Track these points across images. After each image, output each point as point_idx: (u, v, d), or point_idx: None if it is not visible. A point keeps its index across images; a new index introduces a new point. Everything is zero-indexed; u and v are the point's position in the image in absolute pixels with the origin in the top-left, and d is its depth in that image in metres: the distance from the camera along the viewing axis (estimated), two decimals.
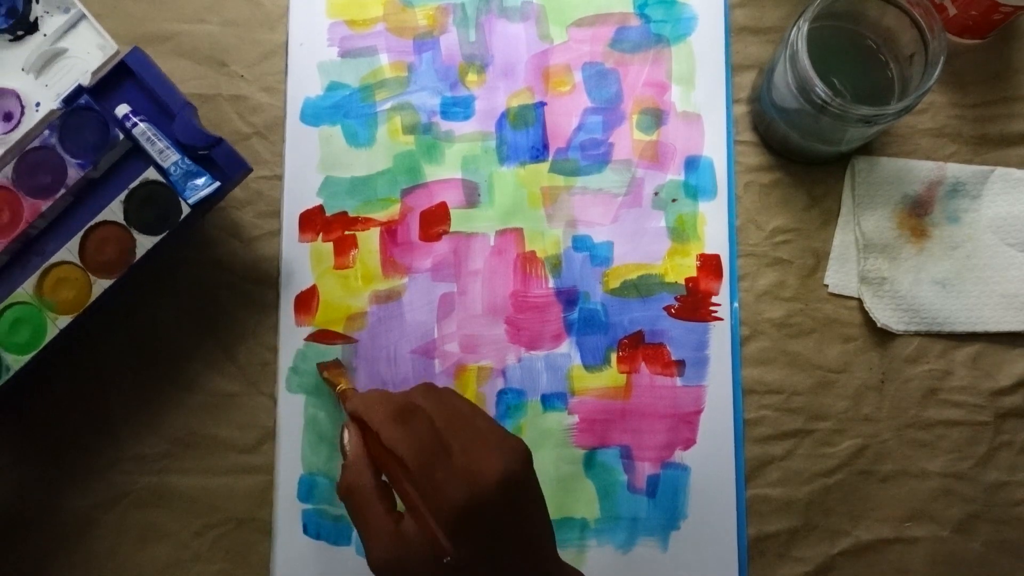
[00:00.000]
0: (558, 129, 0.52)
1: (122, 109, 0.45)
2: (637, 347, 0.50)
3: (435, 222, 0.51)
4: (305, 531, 0.49)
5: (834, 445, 0.49)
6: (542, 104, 0.52)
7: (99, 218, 0.45)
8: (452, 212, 0.51)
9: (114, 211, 0.45)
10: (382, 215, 0.51)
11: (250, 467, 0.49)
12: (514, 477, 0.37)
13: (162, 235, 0.45)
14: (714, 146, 0.51)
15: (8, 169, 0.45)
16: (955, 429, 0.50)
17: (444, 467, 0.36)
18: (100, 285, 0.45)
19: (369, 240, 0.51)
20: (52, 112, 0.47)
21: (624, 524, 0.49)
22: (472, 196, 0.51)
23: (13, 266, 0.46)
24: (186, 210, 0.45)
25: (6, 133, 0.47)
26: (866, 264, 0.50)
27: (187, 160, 0.45)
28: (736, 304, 0.50)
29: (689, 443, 0.49)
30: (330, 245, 0.51)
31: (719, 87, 0.52)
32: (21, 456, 0.49)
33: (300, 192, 0.51)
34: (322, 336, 0.50)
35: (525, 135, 0.52)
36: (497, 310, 0.50)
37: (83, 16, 0.48)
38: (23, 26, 0.47)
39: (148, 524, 0.49)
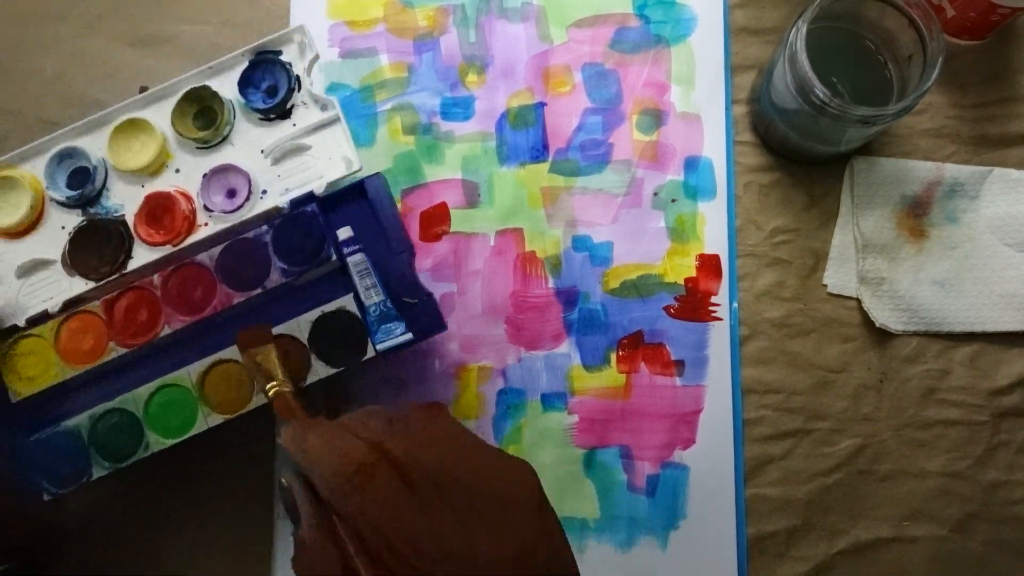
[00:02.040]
0: (558, 129, 0.52)
1: (345, 232, 0.44)
2: (637, 347, 0.50)
3: (435, 222, 0.51)
4: None
5: (833, 445, 0.50)
6: (542, 104, 0.52)
7: (283, 329, 0.43)
8: (452, 212, 0.51)
9: (300, 327, 0.43)
10: None
11: (251, 465, 0.49)
12: (532, 552, 0.28)
13: (338, 370, 0.43)
14: (714, 146, 0.52)
15: (215, 251, 0.44)
16: (954, 429, 0.50)
17: (433, 551, 0.27)
18: (261, 397, 0.42)
19: None
20: (275, 208, 0.45)
21: (623, 523, 0.49)
22: (472, 196, 0.51)
23: (186, 346, 0.44)
24: (371, 353, 0.43)
25: (226, 212, 0.45)
26: (865, 264, 0.50)
27: (389, 304, 0.43)
28: (735, 304, 0.50)
29: (688, 443, 0.49)
30: None
31: (719, 87, 0.52)
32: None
33: None
34: None
35: (525, 135, 0.52)
36: (497, 310, 0.50)
37: (338, 121, 0.46)
38: (278, 111, 0.46)
39: (149, 520, 0.49)
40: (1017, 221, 0.50)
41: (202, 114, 0.47)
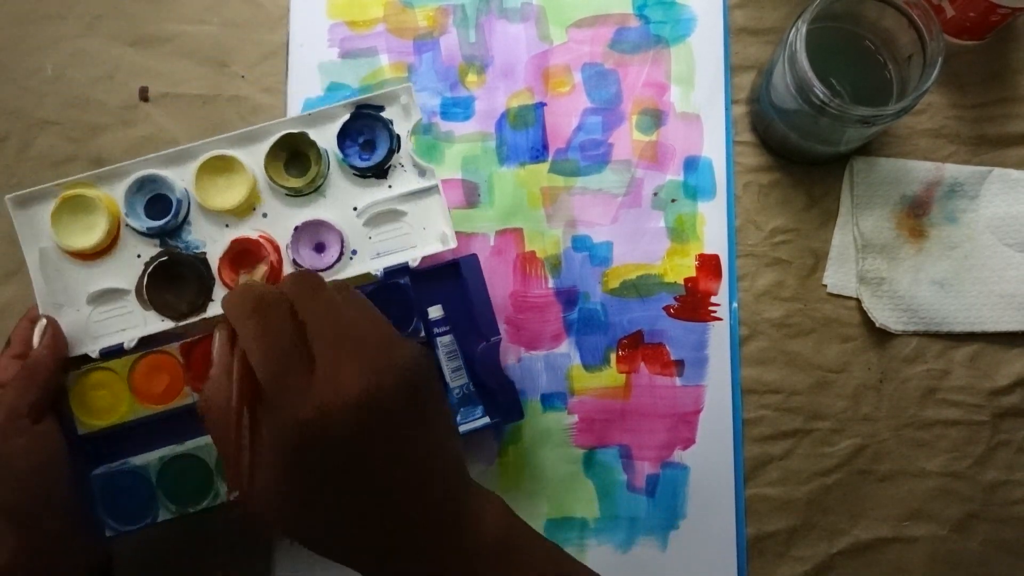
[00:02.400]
0: (558, 129, 0.52)
1: (436, 311, 0.44)
2: (636, 347, 0.50)
3: None
4: None
5: (833, 445, 0.50)
6: (542, 105, 0.52)
7: None
8: (452, 212, 0.51)
9: None
10: None
11: None
12: (380, 396, 0.30)
13: None
14: (713, 146, 0.52)
15: None
16: (953, 428, 0.50)
17: (298, 378, 0.29)
18: None
19: None
20: (367, 275, 0.44)
21: (623, 524, 0.49)
22: (472, 196, 0.51)
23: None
24: None
25: (314, 268, 0.44)
26: (865, 264, 0.50)
27: (471, 387, 0.43)
28: (735, 304, 0.50)
29: (688, 443, 0.49)
30: None
31: (718, 88, 0.52)
32: None
33: None
34: None
35: (525, 135, 0.52)
36: (497, 310, 0.50)
37: (436, 191, 0.45)
38: (376, 171, 0.45)
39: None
40: (1017, 221, 0.50)
41: (295, 160, 0.45)
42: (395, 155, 0.45)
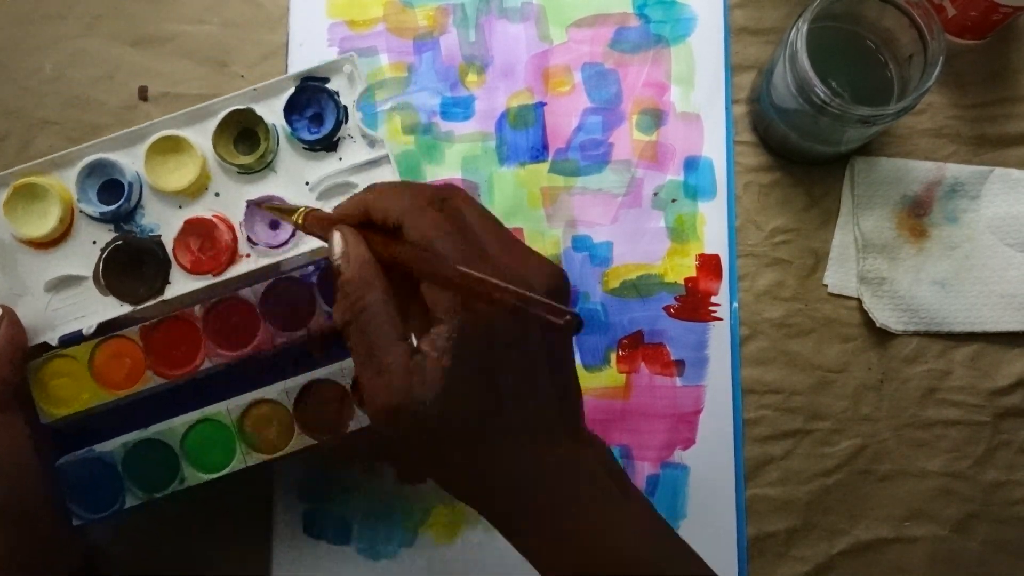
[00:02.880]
0: (558, 129, 0.52)
1: None
2: (637, 347, 0.50)
3: None
4: (305, 530, 0.49)
5: (833, 445, 0.50)
6: (542, 104, 0.52)
7: (325, 373, 0.42)
8: None
9: (344, 374, 0.42)
10: None
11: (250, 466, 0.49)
12: (564, 289, 0.31)
13: None
14: (713, 146, 0.52)
15: (259, 287, 0.43)
16: (954, 429, 0.50)
17: (487, 263, 0.29)
18: (303, 440, 0.42)
19: None
20: (324, 249, 0.43)
21: None
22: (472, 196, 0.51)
23: (226, 382, 0.43)
24: None
25: (270, 246, 0.44)
26: (865, 264, 0.50)
27: None
28: (735, 304, 0.50)
29: (688, 443, 0.49)
30: None
31: (718, 87, 0.52)
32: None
33: None
34: None
35: (525, 135, 0.52)
36: None
37: (387, 159, 0.45)
38: (324, 143, 0.45)
39: (148, 523, 0.49)
40: (1018, 221, 0.50)
41: (244, 138, 0.45)
42: (343, 127, 0.45)
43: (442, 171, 0.51)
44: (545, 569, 0.33)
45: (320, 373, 0.43)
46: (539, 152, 0.52)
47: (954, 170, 0.51)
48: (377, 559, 0.49)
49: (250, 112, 0.44)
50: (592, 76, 0.52)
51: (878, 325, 0.50)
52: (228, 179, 0.45)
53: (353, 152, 0.45)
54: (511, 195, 0.51)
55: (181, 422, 0.43)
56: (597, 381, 0.50)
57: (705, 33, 0.52)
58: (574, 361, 0.34)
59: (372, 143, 0.45)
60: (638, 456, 0.49)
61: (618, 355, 0.50)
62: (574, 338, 0.50)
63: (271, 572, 0.49)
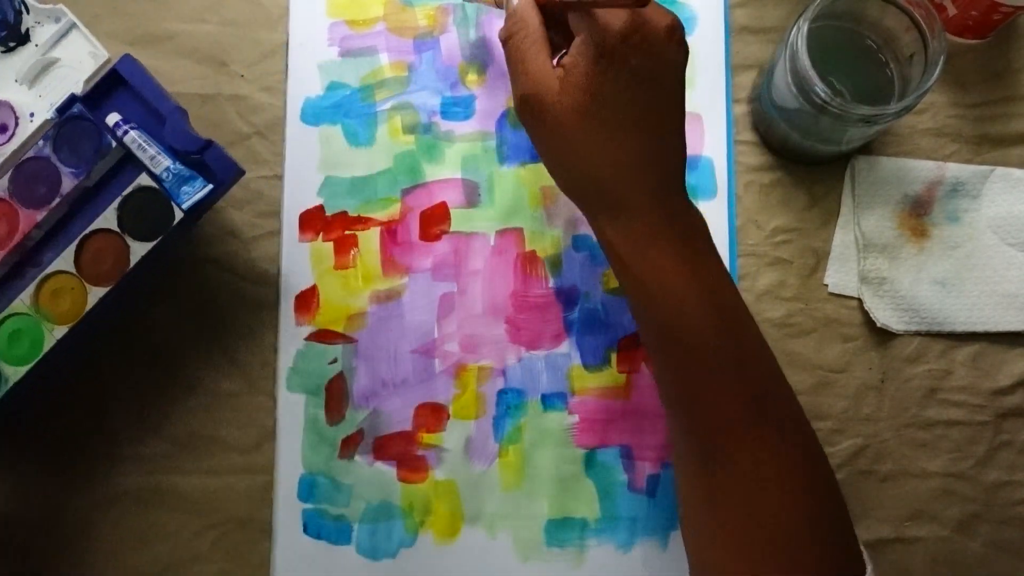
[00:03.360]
0: None
1: (112, 118, 0.45)
2: (637, 347, 0.50)
3: (435, 222, 0.51)
4: (305, 531, 0.49)
5: (834, 445, 0.49)
6: None
7: (93, 226, 0.45)
8: (452, 212, 0.51)
9: (108, 219, 0.45)
10: (382, 215, 0.51)
11: (250, 467, 0.49)
12: (681, 35, 0.37)
13: (156, 241, 0.45)
14: (714, 146, 0.51)
15: (4, 181, 0.45)
16: (955, 429, 0.50)
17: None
18: (96, 293, 0.45)
19: (369, 240, 0.51)
20: (46, 122, 0.47)
21: (624, 524, 0.49)
22: (472, 196, 0.51)
23: (10, 278, 0.46)
24: (179, 215, 0.45)
25: (1, 145, 0.47)
26: (866, 264, 0.50)
27: (179, 165, 0.45)
28: None
29: None
30: (330, 245, 0.51)
31: (719, 87, 0.52)
32: (19, 457, 0.49)
33: (300, 192, 0.51)
34: (322, 336, 0.50)
35: (525, 135, 0.51)
36: (497, 310, 0.50)
37: (74, 25, 0.48)
38: (14, 37, 0.48)
39: (148, 524, 0.49)
40: (1019, 220, 0.50)
41: None
42: (24, 16, 0.48)
43: (442, 171, 0.51)
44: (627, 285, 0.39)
45: (86, 229, 0.45)
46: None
47: (955, 169, 0.51)
48: (377, 559, 0.49)
49: None
50: None
51: (879, 325, 0.50)
52: None
53: (43, 33, 0.48)
54: (511, 195, 0.51)
55: None
56: (597, 381, 0.50)
57: (705, 32, 0.52)
58: (684, 116, 0.39)
59: (57, 18, 0.48)
60: (638, 456, 0.49)
61: (618, 355, 0.50)
62: (574, 338, 0.50)
63: (271, 572, 0.48)
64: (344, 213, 0.51)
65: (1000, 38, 0.52)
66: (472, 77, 0.52)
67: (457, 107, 0.52)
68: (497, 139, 0.52)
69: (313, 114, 0.52)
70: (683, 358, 0.38)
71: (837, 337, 0.50)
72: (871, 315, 0.50)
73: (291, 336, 0.50)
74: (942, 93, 0.52)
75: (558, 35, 0.40)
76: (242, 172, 0.46)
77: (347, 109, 0.52)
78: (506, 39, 0.40)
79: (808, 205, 0.51)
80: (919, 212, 0.51)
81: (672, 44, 0.37)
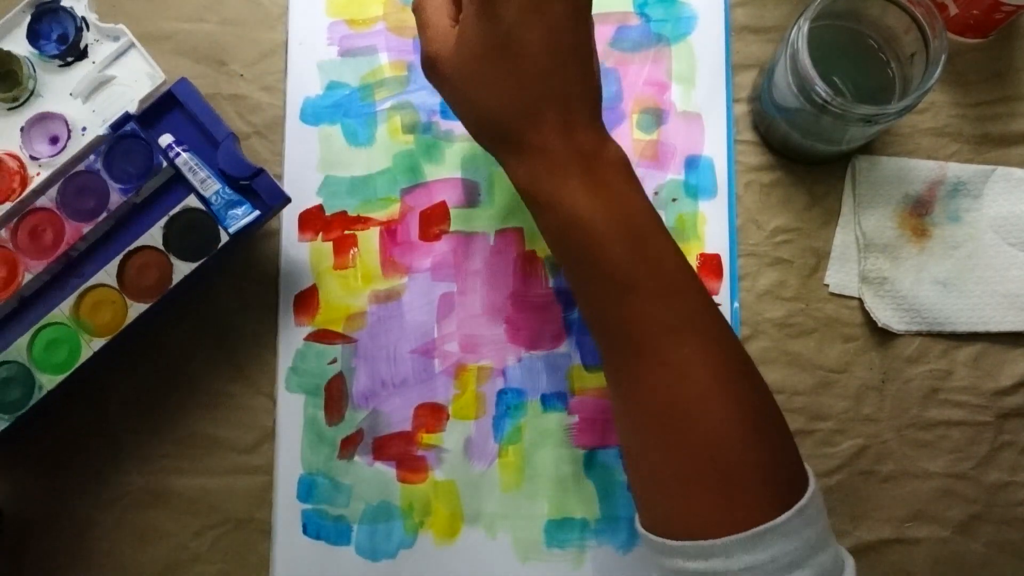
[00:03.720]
0: None
1: (165, 139, 0.46)
2: None
3: (435, 222, 0.51)
4: (304, 531, 0.49)
5: (835, 445, 0.49)
6: None
7: (138, 243, 0.46)
8: (452, 212, 0.51)
9: (153, 236, 0.46)
10: (382, 215, 0.51)
11: (249, 467, 0.49)
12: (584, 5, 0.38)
13: (200, 262, 0.45)
14: (714, 145, 0.51)
15: (53, 191, 0.46)
16: (956, 429, 0.49)
17: None
18: (136, 309, 0.45)
19: (369, 240, 0.51)
20: (99, 137, 0.48)
21: (624, 524, 0.49)
22: (472, 196, 0.51)
23: (53, 287, 0.46)
24: (225, 238, 0.45)
25: (52, 156, 0.48)
26: (867, 264, 0.50)
27: (228, 189, 0.45)
28: (737, 304, 0.50)
29: None
30: (330, 245, 0.51)
31: (719, 86, 0.52)
32: (20, 457, 0.49)
33: (300, 191, 0.51)
34: (322, 336, 0.50)
35: None
36: (497, 310, 0.50)
37: (132, 45, 0.49)
38: (73, 53, 0.49)
39: (147, 524, 0.49)
40: (1020, 220, 0.50)
41: (4, 77, 0.48)
42: (84, 33, 0.49)
43: (442, 170, 0.51)
44: (541, 215, 0.40)
45: (131, 244, 0.46)
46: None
47: (956, 169, 0.51)
48: (377, 559, 0.48)
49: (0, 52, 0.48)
50: None
51: (880, 325, 0.50)
52: (1, 117, 0.48)
53: (102, 51, 0.49)
54: (511, 194, 0.51)
55: (23, 337, 0.45)
56: (597, 381, 0.50)
57: (706, 32, 0.52)
58: (594, 50, 0.39)
59: (116, 37, 0.49)
60: None
61: None
62: (574, 338, 0.50)
63: (271, 572, 0.48)
64: (344, 213, 0.51)
65: (1001, 37, 0.52)
66: None
67: None
68: None
69: (312, 114, 0.52)
70: (601, 286, 0.38)
71: (838, 337, 0.50)
72: (872, 315, 0.50)
73: (290, 336, 0.50)
74: (943, 92, 0.51)
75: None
76: (288, 200, 0.46)
77: (347, 109, 0.52)
78: (414, 7, 0.41)
79: (809, 205, 0.51)
80: (920, 212, 0.51)
81: None
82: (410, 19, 0.52)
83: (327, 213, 0.51)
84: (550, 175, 0.38)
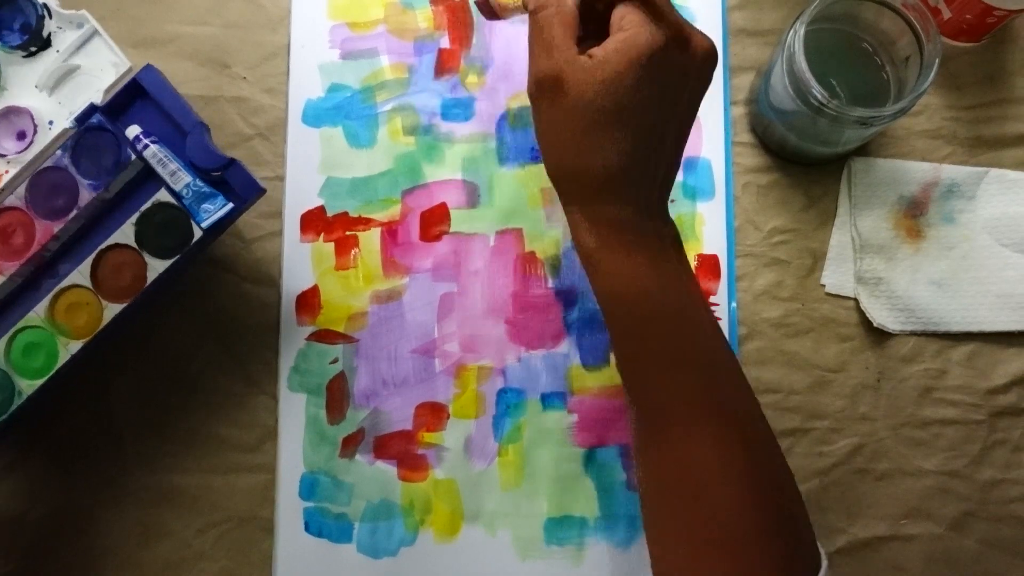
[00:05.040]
0: None
1: (132, 130, 0.44)
2: None
3: (435, 222, 0.51)
4: (307, 529, 0.49)
5: (831, 444, 0.50)
6: None
7: (110, 241, 0.44)
8: (452, 212, 0.51)
9: (125, 234, 0.44)
10: (383, 215, 0.51)
11: (251, 466, 0.49)
12: (714, 63, 0.38)
13: (174, 259, 0.44)
14: (712, 147, 0.52)
15: (21, 189, 0.44)
16: (950, 428, 0.50)
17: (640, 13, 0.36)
18: (112, 310, 0.44)
19: (370, 240, 0.51)
20: (65, 131, 0.46)
21: (623, 522, 0.49)
22: (472, 197, 0.52)
23: (26, 289, 0.45)
24: (198, 233, 0.44)
25: (19, 152, 0.46)
26: (863, 264, 0.51)
27: (200, 182, 0.44)
28: (734, 304, 0.51)
29: None
30: (331, 245, 0.51)
31: (717, 89, 0.52)
32: (23, 455, 0.49)
33: (301, 193, 0.51)
34: (323, 335, 0.50)
35: (525, 136, 0.52)
36: (497, 310, 0.51)
37: (96, 32, 0.47)
38: (36, 42, 0.47)
39: (150, 522, 0.49)
40: (1014, 221, 0.51)
41: None
42: (47, 21, 0.47)
43: (442, 172, 0.52)
44: (597, 283, 0.40)
45: (103, 243, 0.44)
46: (539, 153, 0.52)
47: (950, 171, 0.51)
48: (378, 557, 0.49)
49: None
50: None
51: (875, 325, 0.50)
52: None
53: (65, 39, 0.47)
54: (511, 195, 0.51)
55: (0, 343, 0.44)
56: (597, 380, 0.50)
57: None
58: (686, 137, 0.40)
59: (79, 24, 0.47)
60: None
61: None
62: (574, 338, 0.50)
63: (272, 571, 0.49)
64: (345, 214, 0.51)
65: (994, 41, 0.52)
66: (472, 79, 0.53)
67: (457, 108, 0.52)
68: (497, 140, 0.52)
69: (314, 115, 0.52)
70: (645, 356, 0.39)
71: (834, 337, 0.51)
72: (867, 315, 0.50)
73: (292, 336, 0.50)
74: (937, 95, 0.52)
75: (588, 25, 0.38)
76: (263, 191, 0.45)
77: (348, 111, 0.52)
78: (535, 10, 0.38)
79: (805, 206, 0.51)
80: (915, 213, 0.51)
81: (705, 69, 0.37)
82: (410, 22, 0.53)
83: (329, 214, 0.51)
84: (617, 245, 0.38)
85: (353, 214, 0.51)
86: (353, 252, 0.51)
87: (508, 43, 0.53)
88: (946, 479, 0.50)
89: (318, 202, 0.51)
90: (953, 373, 0.50)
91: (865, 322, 0.50)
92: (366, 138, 0.52)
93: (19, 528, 0.49)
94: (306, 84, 0.52)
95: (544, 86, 0.37)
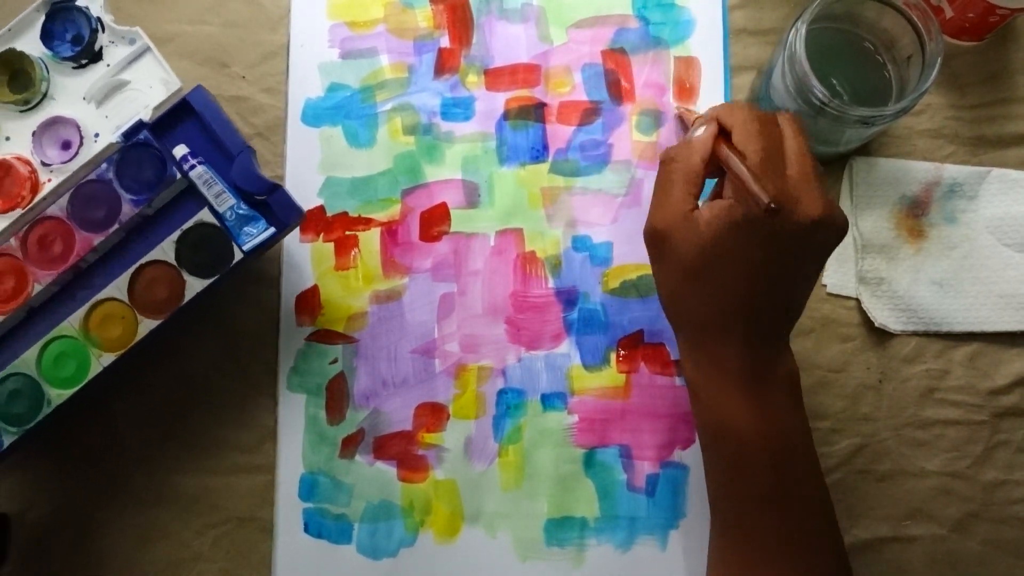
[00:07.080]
0: (558, 130, 0.52)
1: (180, 150, 0.44)
2: (636, 347, 0.50)
3: (435, 222, 0.51)
4: (306, 530, 0.49)
5: (832, 444, 0.50)
6: (542, 105, 0.52)
7: (150, 257, 0.44)
8: (452, 212, 0.51)
9: (165, 251, 0.44)
10: (383, 215, 0.51)
11: (251, 466, 0.49)
12: (833, 229, 0.38)
13: (213, 279, 0.44)
14: None
15: (63, 200, 0.45)
16: (953, 428, 0.50)
17: (776, 181, 0.37)
18: (147, 325, 0.44)
19: (370, 240, 0.51)
20: (111, 145, 0.46)
21: (623, 523, 0.49)
22: (472, 196, 0.52)
23: (62, 298, 0.45)
24: (239, 255, 0.44)
25: (64, 162, 0.47)
26: (864, 264, 0.50)
27: (243, 205, 0.44)
28: None
29: (688, 442, 0.50)
30: (331, 245, 0.51)
31: (718, 88, 0.52)
32: (23, 457, 0.49)
33: (301, 192, 0.51)
34: (323, 336, 0.50)
35: (525, 136, 0.52)
36: (497, 310, 0.51)
37: (148, 49, 0.48)
38: (87, 55, 0.47)
39: (149, 523, 0.49)
40: (1016, 221, 0.51)
41: (16, 78, 0.47)
42: (99, 35, 0.47)
43: (442, 171, 0.52)
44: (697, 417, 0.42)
45: (141, 259, 0.45)
46: (539, 152, 0.52)
47: (952, 170, 0.51)
48: (378, 558, 0.49)
49: (12, 52, 0.46)
50: (592, 77, 0.52)
51: (877, 325, 0.50)
52: (13, 120, 0.47)
53: (117, 54, 0.48)
54: (511, 195, 0.51)
55: (32, 350, 0.44)
56: (597, 381, 0.50)
57: (704, 35, 0.52)
58: (812, 287, 0.41)
59: (131, 40, 0.47)
60: (638, 456, 0.49)
61: (618, 355, 0.50)
62: (574, 338, 0.50)
63: (271, 572, 0.49)
64: (345, 214, 0.51)
65: (997, 40, 0.52)
66: (472, 78, 0.52)
67: (457, 108, 0.52)
68: (497, 140, 0.52)
69: (314, 115, 0.52)
70: (738, 490, 0.41)
71: (835, 337, 0.50)
72: (869, 315, 0.50)
73: (292, 336, 0.50)
74: (939, 95, 0.52)
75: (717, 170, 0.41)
76: (304, 216, 0.45)
77: (348, 110, 0.52)
78: (666, 160, 0.41)
79: None
80: (917, 213, 0.51)
81: (818, 233, 0.38)
82: (410, 21, 0.53)
83: (328, 214, 0.51)
84: (718, 381, 0.40)
85: (353, 214, 0.51)
86: (353, 252, 0.51)
87: (508, 43, 0.53)
88: (948, 480, 0.49)
89: (318, 202, 0.51)
90: (955, 373, 0.50)
91: (867, 322, 0.50)
92: (366, 138, 0.52)
93: (19, 528, 0.49)
94: (306, 84, 0.52)
95: (655, 238, 0.40)
